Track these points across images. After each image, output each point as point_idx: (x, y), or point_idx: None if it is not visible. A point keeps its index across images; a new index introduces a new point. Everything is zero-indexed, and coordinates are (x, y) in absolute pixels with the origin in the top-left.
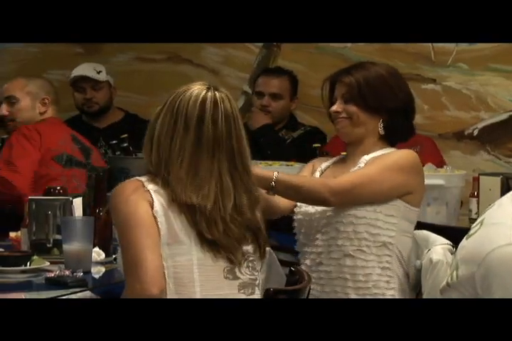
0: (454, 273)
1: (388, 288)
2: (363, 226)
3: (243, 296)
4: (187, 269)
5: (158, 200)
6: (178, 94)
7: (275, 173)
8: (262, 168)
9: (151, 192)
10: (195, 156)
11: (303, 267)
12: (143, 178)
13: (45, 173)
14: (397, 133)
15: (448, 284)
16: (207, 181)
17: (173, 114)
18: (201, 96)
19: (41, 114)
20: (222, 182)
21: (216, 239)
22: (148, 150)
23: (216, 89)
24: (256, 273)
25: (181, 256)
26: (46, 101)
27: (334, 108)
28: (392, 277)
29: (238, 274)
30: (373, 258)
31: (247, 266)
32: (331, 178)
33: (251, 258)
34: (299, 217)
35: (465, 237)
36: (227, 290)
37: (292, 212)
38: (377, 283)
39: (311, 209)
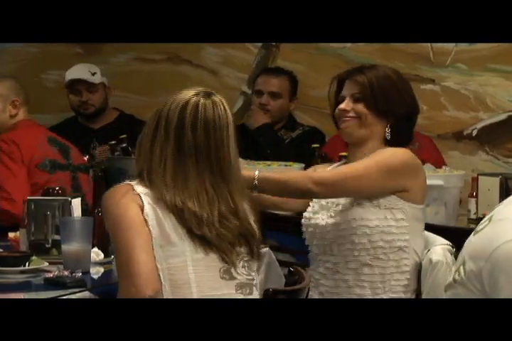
0: (461, 268)
1: (405, 291)
2: (377, 235)
3: (241, 296)
4: (181, 271)
5: (148, 202)
6: (168, 99)
7: (256, 172)
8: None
9: (141, 195)
10: (179, 163)
11: (316, 275)
12: (133, 182)
13: (32, 183)
14: (401, 138)
15: (454, 280)
16: (197, 189)
17: (156, 118)
18: (183, 101)
19: (12, 116)
20: (207, 190)
21: (208, 238)
22: (137, 154)
23: (209, 95)
24: (253, 274)
25: (175, 257)
26: (17, 103)
27: (343, 106)
28: (410, 279)
29: (235, 274)
30: (392, 264)
31: (243, 266)
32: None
33: (246, 259)
34: (310, 230)
35: (472, 233)
36: (225, 290)
37: (283, 207)
38: (394, 287)
39: (320, 221)
